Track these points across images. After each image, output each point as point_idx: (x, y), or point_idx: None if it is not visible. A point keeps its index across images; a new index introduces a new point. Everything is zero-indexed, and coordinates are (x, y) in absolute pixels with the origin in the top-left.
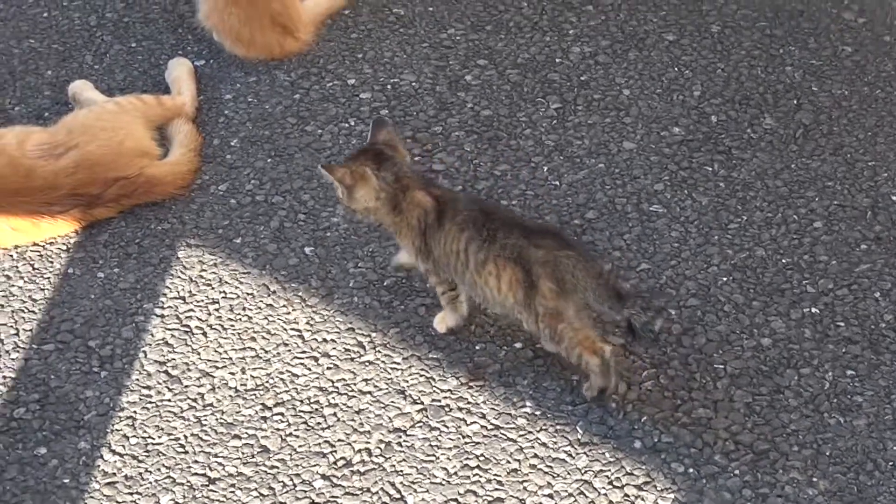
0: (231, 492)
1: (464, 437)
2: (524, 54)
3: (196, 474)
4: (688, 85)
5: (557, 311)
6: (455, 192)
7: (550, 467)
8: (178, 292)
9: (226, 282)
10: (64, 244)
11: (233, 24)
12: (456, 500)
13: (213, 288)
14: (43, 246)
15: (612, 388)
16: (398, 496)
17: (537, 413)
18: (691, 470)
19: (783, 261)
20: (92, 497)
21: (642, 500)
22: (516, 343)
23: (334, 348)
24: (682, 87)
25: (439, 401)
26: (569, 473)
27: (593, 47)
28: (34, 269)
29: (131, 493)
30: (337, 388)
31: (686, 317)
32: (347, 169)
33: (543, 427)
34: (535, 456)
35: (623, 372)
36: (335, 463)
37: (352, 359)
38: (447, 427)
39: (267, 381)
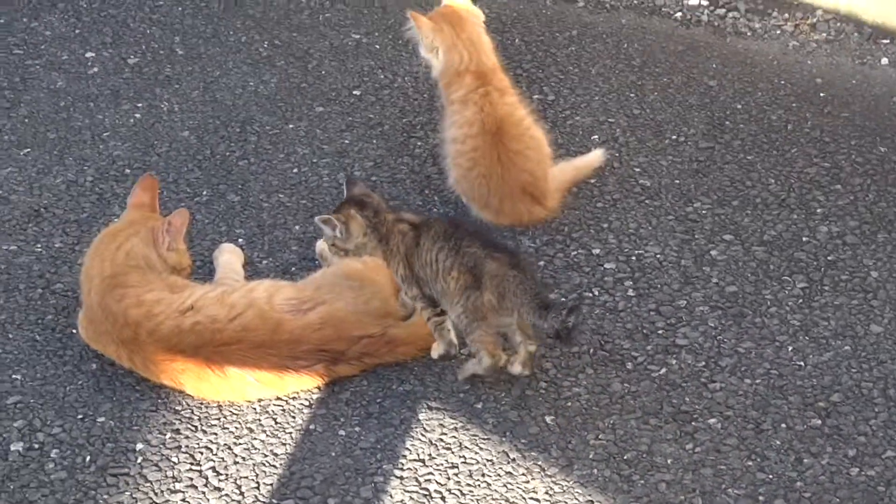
0: None
1: None
2: (771, 231)
3: None
4: None
5: (484, 315)
6: (427, 216)
7: None
8: (418, 454)
9: (466, 446)
10: (306, 399)
11: (482, 192)
12: None
13: (452, 452)
14: (286, 400)
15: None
16: None
17: None
18: None
19: None
20: None
21: None
22: None
23: None
24: None
25: None
26: None
27: (841, 227)
28: (276, 423)
29: None
30: None
31: None
32: (336, 215)
33: None
34: None
35: None
36: None
37: None
38: None
39: None
